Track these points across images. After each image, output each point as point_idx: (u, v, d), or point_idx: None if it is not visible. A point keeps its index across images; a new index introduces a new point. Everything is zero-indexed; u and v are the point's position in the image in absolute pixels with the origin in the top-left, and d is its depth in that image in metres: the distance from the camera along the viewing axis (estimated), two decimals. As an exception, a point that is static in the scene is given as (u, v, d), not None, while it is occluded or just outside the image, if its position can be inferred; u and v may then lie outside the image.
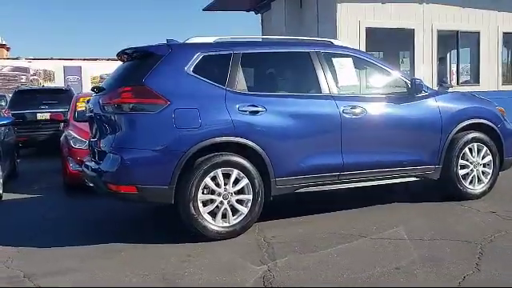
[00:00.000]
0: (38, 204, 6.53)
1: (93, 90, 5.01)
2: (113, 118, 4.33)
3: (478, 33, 12.03)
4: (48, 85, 22.76)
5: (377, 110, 5.03)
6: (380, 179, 5.09)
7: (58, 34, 75.65)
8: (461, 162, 5.42)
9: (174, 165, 4.20)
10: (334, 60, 5.05)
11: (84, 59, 34.89)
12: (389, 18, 10.89)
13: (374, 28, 10.62)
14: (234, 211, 4.43)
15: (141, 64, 4.48)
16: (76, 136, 7.09)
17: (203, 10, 14.59)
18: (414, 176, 5.28)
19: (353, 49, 5.28)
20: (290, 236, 4.43)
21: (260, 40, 5.22)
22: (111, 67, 25.27)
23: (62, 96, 12.29)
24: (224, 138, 4.36)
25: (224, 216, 4.40)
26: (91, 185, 4.63)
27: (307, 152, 4.69)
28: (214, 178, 4.36)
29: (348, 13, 10.50)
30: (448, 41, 12.07)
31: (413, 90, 5.20)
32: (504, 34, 12.28)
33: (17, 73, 29.22)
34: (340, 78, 5.02)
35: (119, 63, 5.05)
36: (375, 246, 4.08)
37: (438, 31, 11.55)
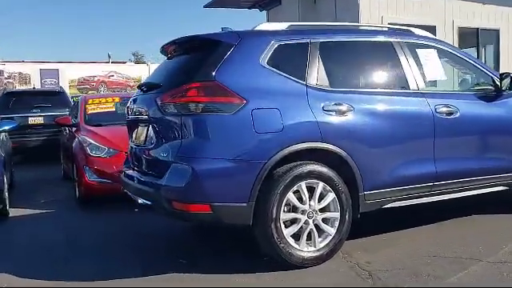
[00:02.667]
0: (53, 221, 5.62)
1: (140, 87, 4.14)
2: (176, 120, 3.49)
3: (498, 30, 11.58)
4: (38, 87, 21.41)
5: (468, 109, 4.32)
6: (472, 189, 4.39)
7: (33, 36, 72.83)
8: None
9: (253, 177, 3.40)
10: (418, 51, 4.32)
11: (61, 62, 33.51)
12: (411, 14, 10.29)
13: (397, 24, 9.98)
14: (320, 232, 3.66)
15: (204, 55, 3.65)
16: (93, 142, 6.19)
17: (204, 6, 13.80)
18: (504, 185, 4.59)
19: (435, 39, 4.58)
20: (388, 261, 3.67)
21: (337, 27, 4.45)
22: (90, 70, 24.29)
23: (54, 98, 11.29)
24: (310, 144, 3.58)
25: (308, 238, 3.63)
26: (142, 201, 3.77)
27: (399, 159, 3.96)
28: (295, 193, 3.58)
29: (370, 7, 9.86)
30: (464, 38, 11.56)
31: (502, 87, 4.52)
32: (523, 31, 11.87)
33: (-11, 75, 27.81)
34: (426, 71, 4.30)
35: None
36: (504, 273, 3.35)
37: (459, 28, 11.04)
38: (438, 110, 4.12)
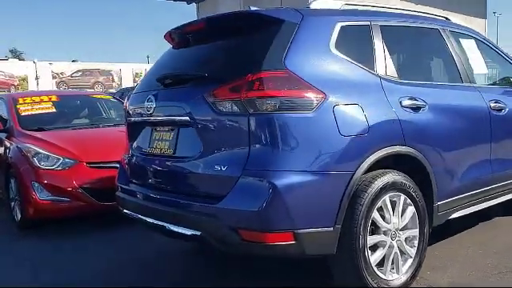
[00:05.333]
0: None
1: (160, 81, 3.12)
2: (239, 121, 2.61)
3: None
4: None
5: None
6: (508, 193, 4.06)
7: None
8: None
9: (341, 192, 2.66)
10: (461, 41, 3.89)
11: None
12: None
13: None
14: (401, 255, 3.03)
15: (262, 37, 2.81)
16: (41, 151, 4.92)
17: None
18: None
19: (472, 29, 4.17)
20: (470, 281, 3.16)
21: (390, 10, 3.82)
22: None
23: None
24: (396, 149, 2.93)
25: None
26: (158, 223, 2.87)
27: (467, 162, 3.48)
28: (379, 209, 2.91)
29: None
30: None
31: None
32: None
33: None
34: (473, 64, 3.87)
35: None
36: None
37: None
38: (491, 106, 3.73)
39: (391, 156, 2.94)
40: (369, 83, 2.98)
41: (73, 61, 37.67)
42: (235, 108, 2.62)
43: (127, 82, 33.74)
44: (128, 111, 3.41)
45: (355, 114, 2.78)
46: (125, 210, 3.39)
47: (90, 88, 31.85)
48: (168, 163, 3.01)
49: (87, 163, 4.85)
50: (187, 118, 2.81)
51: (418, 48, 3.63)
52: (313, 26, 2.91)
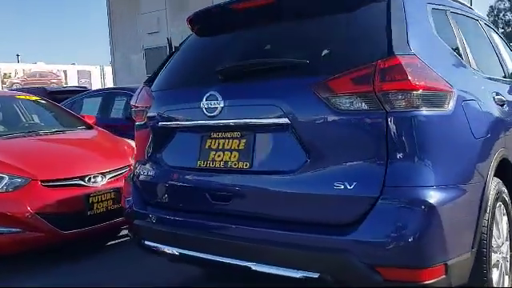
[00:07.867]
0: None
1: (224, 73, 2.32)
2: (368, 122, 1.98)
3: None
4: None
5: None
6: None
7: None
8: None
9: (477, 208, 2.19)
10: (493, 35, 3.66)
11: None
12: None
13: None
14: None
15: (365, 14, 2.23)
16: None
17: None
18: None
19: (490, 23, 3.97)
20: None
21: None
22: None
23: None
24: (503, 152, 2.53)
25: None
26: (233, 262, 2.16)
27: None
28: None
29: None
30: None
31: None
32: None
33: None
34: (505, 58, 3.67)
35: None
36: None
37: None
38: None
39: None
40: (471, 76, 2.57)
41: None
42: (361, 104, 1.98)
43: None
44: (155, 114, 2.55)
45: (479, 111, 2.34)
46: (149, 243, 2.56)
47: None
48: (243, 180, 2.24)
49: (42, 182, 3.76)
50: (285, 119, 2.09)
51: (475, 39, 3.28)
52: (414, 5, 2.39)
